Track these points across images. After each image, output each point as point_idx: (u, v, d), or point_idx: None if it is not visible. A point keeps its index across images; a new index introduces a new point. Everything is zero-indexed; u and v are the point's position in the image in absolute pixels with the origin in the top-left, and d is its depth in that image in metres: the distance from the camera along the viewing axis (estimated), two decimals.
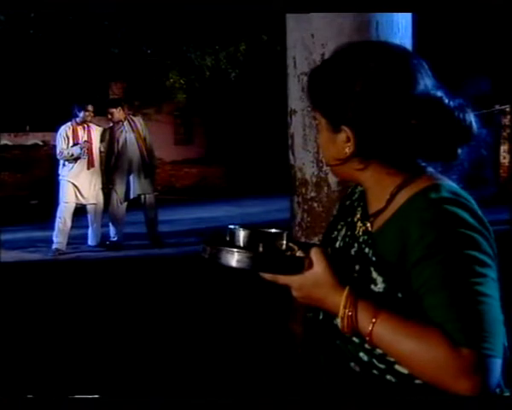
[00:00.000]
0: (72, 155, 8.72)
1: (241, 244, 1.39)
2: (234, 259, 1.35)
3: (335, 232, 1.51)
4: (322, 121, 1.43)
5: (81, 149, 8.71)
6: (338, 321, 1.33)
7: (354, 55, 1.39)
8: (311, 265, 1.34)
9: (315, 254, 1.35)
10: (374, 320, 1.29)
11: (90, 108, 8.86)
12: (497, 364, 1.24)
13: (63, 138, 8.76)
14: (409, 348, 1.26)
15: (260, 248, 1.37)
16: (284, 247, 1.38)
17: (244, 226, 1.41)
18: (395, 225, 1.35)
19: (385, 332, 1.28)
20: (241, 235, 1.39)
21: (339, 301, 1.32)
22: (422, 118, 1.33)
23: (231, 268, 1.36)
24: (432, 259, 1.28)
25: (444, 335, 1.23)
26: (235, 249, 1.36)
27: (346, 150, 1.39)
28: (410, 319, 1.28)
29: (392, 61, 1.37)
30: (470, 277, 1.26)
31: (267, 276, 1.37)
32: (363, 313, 1.30)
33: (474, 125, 1.37)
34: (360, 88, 1.35)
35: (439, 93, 1.36)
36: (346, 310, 1.31)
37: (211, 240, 1.42)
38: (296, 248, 1.40)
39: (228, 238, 1.41)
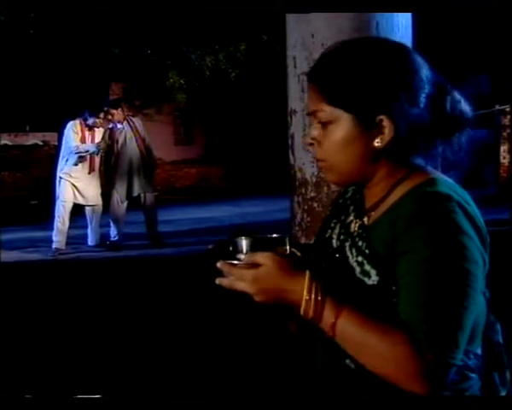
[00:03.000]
0: (87, 151, 8.77)
1: (245, 253, 1.37)
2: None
3: (329, 231, 1.50)
4: (342, 120, 1.36)
5: (97, 149, 8.76)
6: (301, 309, 1.28)
7: (370, 42, 1.42)
8: (263, 258, 1.31)
9: (262, 254, 1.32)
10: (339, 312, 1.27)
11: (101, 115, 8.92)
12: (453, 371, 1.25)
13: (75, 133, 8.77)
14: (371, 343, 1.25)
15: None
16: (288, 252, 1.38)
17: (247, 235, 1.39)
18: (388, 218, 1.35)
19: (349, 326, 1.26)
20: (244, 244, 1.38)
21: (299, 287, 1.29)
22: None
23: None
24: (413, 254, 1.27)
25: (407, 335, 1.22)
26: (232, 261, 1.36)
27: (376, 143, 1.35)
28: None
29: (402, 48, 1.40)
30: (447, 283, 1.24)
31: (224, 282, 1.34)
32: (328, 304, 1.28)
33: (467, 112, 1.38)
34: (386, 75, 1.34)
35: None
36: (312, 295, 1.27)
37: (211, 251, 1.42)
38: (298, 253, 1.39)
39: (231, 248, 1.40)
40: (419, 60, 1.38)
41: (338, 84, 1.35)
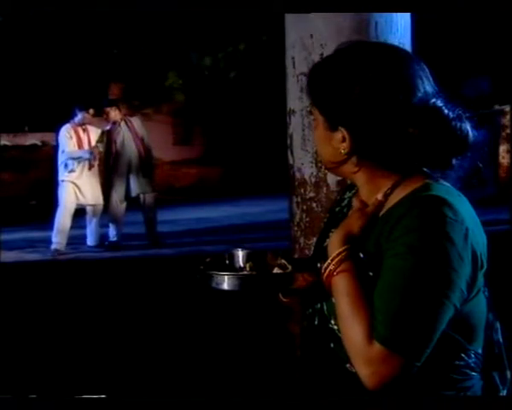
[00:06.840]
0: (81, 157, 8.78)
1: (241, 265, 1.44)
2: (222, 282, 1.39)
3: (327, 240, 1.49)
4: (319, 118, 1.43)
5: (90, 154, 8.78)
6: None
7: (356, 56, 1.39)
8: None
9: None
10: (340, 267, 1.34)
11: (91, 111, 8.92)
12: (409, 368, 1.26)
13: (68, 139, 8.77)
14: (346, 313, 1.31)
15: (247, 269, 1.41)
16: (279, 265, 1.42)
17: (244, 248, 1.47)
18: (382, 224, 1.35)
19: (341, 284, 1.33)
20: (240, 256, 1.44)
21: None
22: (419, 126, 1.32)
23: (224, 291, 1.40)
24: (393, 250, 1.29)
25: (369, 321, 1.27)
26: (221, 273, 1.39)
27: (341, 150, 1.39)
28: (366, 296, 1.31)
29: (393, 65, 1.36)
30: (415, 284, 1.26)
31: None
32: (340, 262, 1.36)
33: (471, 135, 1.36)
34: (359, 90, 1.34)
35: (439, 102, 1.34)
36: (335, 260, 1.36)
37: (207, 264, 1.46)
38: (289, 266, 1.43)
39: (227, 262, 1.46)
40: (412, 78, 1.35)
41: (314, 86, 1.43)
